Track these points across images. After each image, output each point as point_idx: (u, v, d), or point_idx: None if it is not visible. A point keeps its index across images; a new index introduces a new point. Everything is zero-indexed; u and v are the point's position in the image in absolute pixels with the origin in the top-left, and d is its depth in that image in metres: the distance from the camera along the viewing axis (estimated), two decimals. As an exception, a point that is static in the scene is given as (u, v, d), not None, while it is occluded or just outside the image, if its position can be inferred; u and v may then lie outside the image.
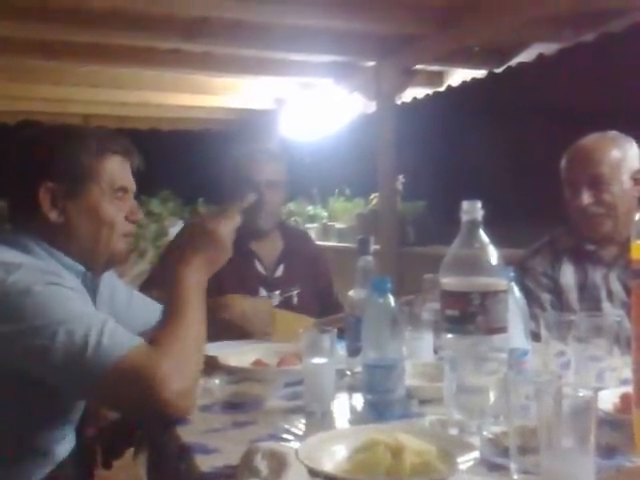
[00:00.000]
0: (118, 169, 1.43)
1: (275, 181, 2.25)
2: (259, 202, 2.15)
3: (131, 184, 1.47)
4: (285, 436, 1.17)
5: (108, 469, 1.58)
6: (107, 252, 1.43)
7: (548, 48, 3.84)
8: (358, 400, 1.32)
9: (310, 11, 3.37)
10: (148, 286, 2.09)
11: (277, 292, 2.20)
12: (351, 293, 1.56)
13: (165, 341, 1.23)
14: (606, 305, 1.94)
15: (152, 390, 1.17)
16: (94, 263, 1.43)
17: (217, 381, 1.45)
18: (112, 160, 1.42)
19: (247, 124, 6.16)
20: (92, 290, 1.46)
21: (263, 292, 2.18)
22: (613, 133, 2.02)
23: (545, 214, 2.54)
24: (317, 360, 1.32)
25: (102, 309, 1.48)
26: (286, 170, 2.33)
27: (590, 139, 2.02)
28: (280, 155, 2.36)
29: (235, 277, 2.15)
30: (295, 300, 2.23)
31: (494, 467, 1.00)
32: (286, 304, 2.19)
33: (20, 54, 4.02)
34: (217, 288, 2.11)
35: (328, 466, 0.96)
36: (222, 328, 1.84)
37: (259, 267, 2.23)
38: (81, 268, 1.41)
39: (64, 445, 1.41)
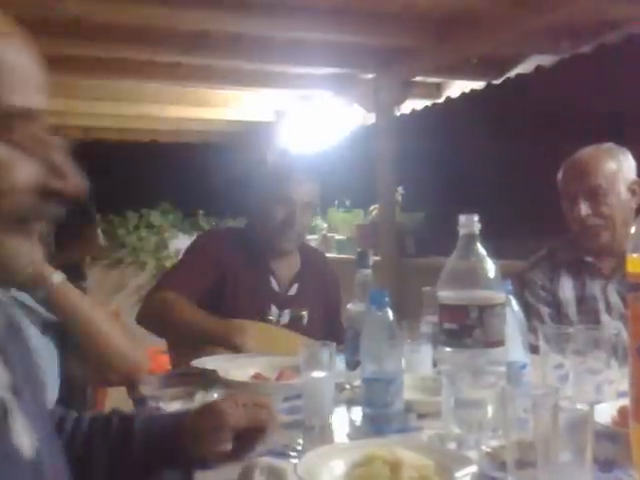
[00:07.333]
0: None
1: (309, 203, 2.20)
2: (291, 222, 2.14)
3: None
4: (284, 451, 1.17)
5: None
6: None
7: (546, 60, 3.86)
8: (357, 414, 1.33)
9: (309, 24, 3.39)
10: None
11: (287, 311, 2.18)
12: (350, 306, 1.56)
13: None
14: (605, 317, 1.94)
15: None
16: None
17: (216, 395, 1.45)
18: None
19: (247, 136, 6.18)
20: None
21: (274, 309, 2.16)
22: (608, 145, 2.03)
23: (544, 225, 2.55)
24: (316, 374, 1.32)
25: None
26: (319, 192, 2.28)
27: (586, 151, 2.03)
28: (315, 176, 2.28)
29: (249, 292, 2.13)
30: (305, 321, 2.20)
31: (492, 481, 1.00)
32: (295, 324, 2.16)
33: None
34: (232, 301, 2.11)
35: (326, 481, 0.96)
36: (232, 351, 1.86)
37: (274, 284, 2.19)
38: None
39: None
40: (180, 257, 2.28)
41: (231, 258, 2.14)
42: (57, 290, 1.53)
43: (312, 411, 1.31)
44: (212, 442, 1.05)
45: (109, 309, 1.76)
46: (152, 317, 2.04)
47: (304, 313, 2.19)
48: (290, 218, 2.14)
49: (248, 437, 1.07)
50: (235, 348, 1.88)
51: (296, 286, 2.22)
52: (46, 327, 1.57)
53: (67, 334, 1.58)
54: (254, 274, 2.16)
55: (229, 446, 1.05)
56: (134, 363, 1.60)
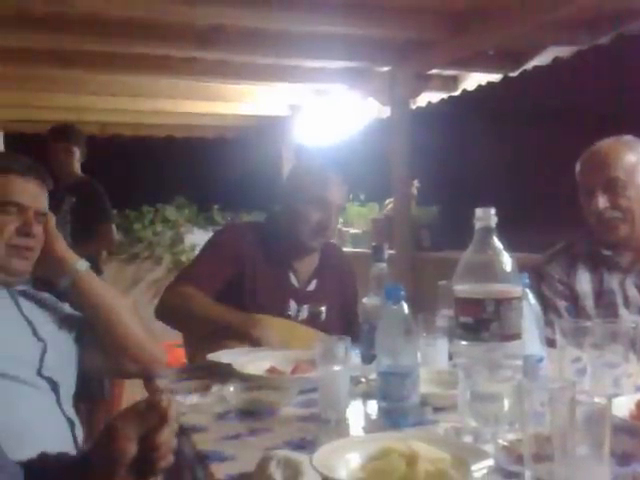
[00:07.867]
0: (9, 185, 1.48)
1: (341, 206, 2.24)
2: (326, 225, 2.15)
3: (26, 200, 1.49)
4: (300, 444, 1.17)
5: None
6: None
7: (564, 51, 3.82)
8: (373, 407, 1.33)
9: (324, 18, 3.38)
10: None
11: (306, 306, 2.18)
12: (365, 300, 1.56)
13: None
14: (623, 311, 1.92)
15: None
16: None
17: (232, 389, 1.45)
18: (2, 177, 1.48)
19: (262, 131, 6.19)
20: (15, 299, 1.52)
21: (293, 305, 2.16)
22: (628, 137, 2.00)
23: (562, 218, 2.53)
24: (332, 367, 1.32)
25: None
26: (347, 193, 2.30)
27: (604, 143, 2.00)
28: (344, 179, 2.28)
29: (268, 287, 2.13)
30: (323, 316, 2.20)
31: (508, 475, 1.00)
32: (313, 319, 2.17)
33: (37, 64, 4.07)
34: (251, 296, 2.12)
35: (342, 474, 0.96)
36: (251, 343, 1.87)
37: (293, 280, 2.20)
38: None
39: None
40: (199, 252, 2.29)
41: (250, 253, 2.14)
42: (81, 278, 1.56)
43: (328, 404, 1.32)
44: (114, 462, 0.97)
45: (129, 300, 1.78)
46: (171, 310, 2.05)
47: (322, 309, 2.19)
48: (325, 220, 2.15)
49: (150, 442, 0.99)
50: (253, 341, 1.88)
51: (315, 282, 2.23)
52: (63, 323, 1.59)
53: (85, 328, 1.60)
54: (274, 269, 2.16)
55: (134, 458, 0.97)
56: (152, 355, 1.62)
